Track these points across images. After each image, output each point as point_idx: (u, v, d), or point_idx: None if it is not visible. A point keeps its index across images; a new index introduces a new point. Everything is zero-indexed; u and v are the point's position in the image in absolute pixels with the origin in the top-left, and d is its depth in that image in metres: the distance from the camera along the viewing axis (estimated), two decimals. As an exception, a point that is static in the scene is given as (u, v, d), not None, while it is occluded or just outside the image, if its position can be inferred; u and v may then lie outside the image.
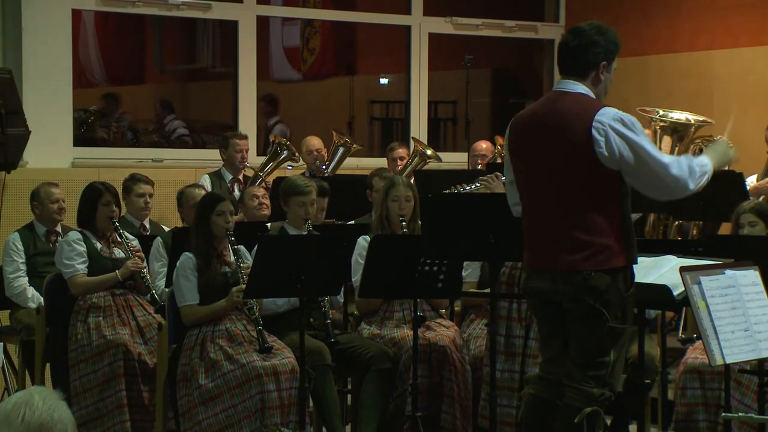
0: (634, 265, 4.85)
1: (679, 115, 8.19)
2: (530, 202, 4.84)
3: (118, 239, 6.82)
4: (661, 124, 8.21)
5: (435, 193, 6.25)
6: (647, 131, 8.45)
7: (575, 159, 4.65)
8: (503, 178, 6.47)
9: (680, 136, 8.15)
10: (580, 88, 4.76)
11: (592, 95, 4.75)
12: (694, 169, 4.66)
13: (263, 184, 8.33)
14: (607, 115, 4.64)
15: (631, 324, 4.84)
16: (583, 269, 4.65)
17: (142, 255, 6.85)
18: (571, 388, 4.75)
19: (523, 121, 4.89)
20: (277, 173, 8.51)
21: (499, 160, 8.86)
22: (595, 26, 4.85)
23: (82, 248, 6.71)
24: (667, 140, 8.19)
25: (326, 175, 8.66)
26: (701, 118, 8.14)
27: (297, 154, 8.73)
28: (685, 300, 4.64)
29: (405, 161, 8.90)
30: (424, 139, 9.87)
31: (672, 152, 8.16)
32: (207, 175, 8.45)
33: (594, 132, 4.60)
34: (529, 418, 4.99)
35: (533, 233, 4.82)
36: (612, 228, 4.66)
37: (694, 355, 5.94)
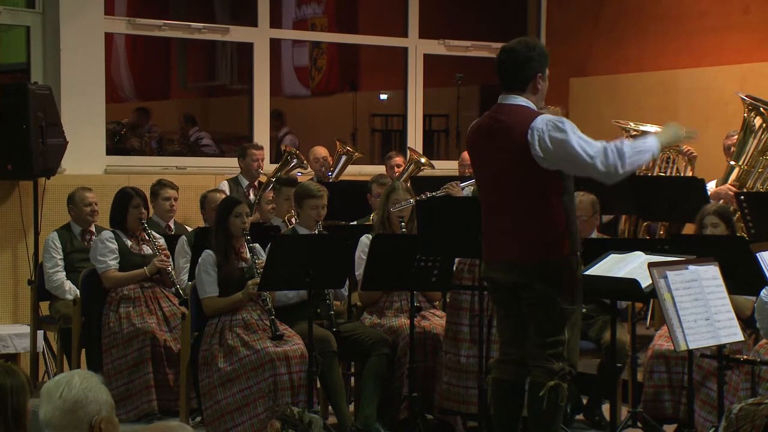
0: (606, 260, 4.88)
1: (649, 128, 8.18)
2: (485, 201, 4.95)
3: (147, 238, 6.83)
4: (634, 134, 8.21)
5: (430, 198, 6.23)
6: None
7: (517, 162, 4.73)
8: (461, 184, 6.53)
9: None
10: (520, 100, 4.83)
11: (531, 104, 4.82)
12: (623, 152, 4.66)
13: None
14: (541, 121, 4.71)
15: (581, 304, 4.89)
16: (532, 260, 4.72)
17: (168, 253, 6.86)
18: (535, 367, 4.81)
19: (473, 132, 4.99)
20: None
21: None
22: (524, 43, 4.92)
23: (114, 246, 6.71)
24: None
25: (331, 180, 8.65)
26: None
27: (305, 162, 8.72)
28: (653, 292, 4.65)
29: (402, 168, 8.89)
30: (419, 148, 9.87)
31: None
32: (226, 181, 8.44)
33: (529, 137, 4.67)
34: (496, 400, 5.03)
35: (488, 228, 4.90)
36: (555, 221, 4.73)
37: (660, 341, 5.95)
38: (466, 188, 6.54)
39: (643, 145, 4.77)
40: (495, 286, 4.96)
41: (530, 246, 4.73)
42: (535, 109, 4.82)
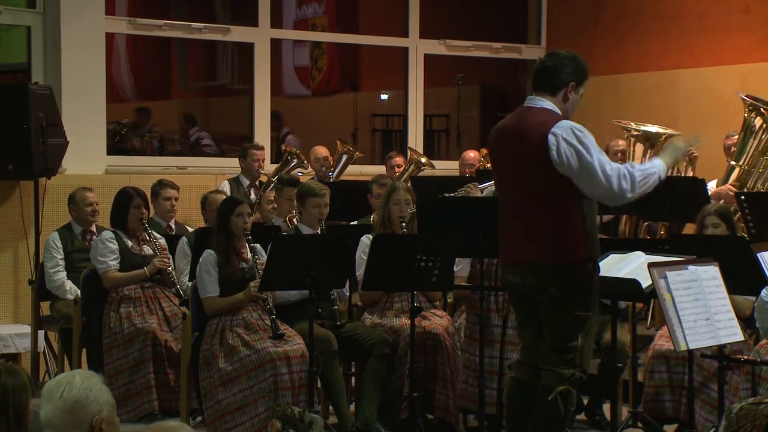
0: (606, 260, 4.86)
1: (650, 128, 8.21)
2: (502, 202, 4.92)
3: (147, 238, 6.83)
4: (635, 134, 8.25)
5: (431, 198, 6.24)
6: (621, 141, 8.49)
7: (536, 165, 4.71)
8: (480, 185, 6.54)
9: (651, 143, 8.16)
10: (546, 103, 4.80)
11: (557, 110, 4.79)
12: (634, 177, 4.69)
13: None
14: (562, 126, 4.69)
15: (596, 311, 4.86)
16: (546, 262, 4.70)
17: (168, 253, 6.86)
18: (546, 370, 4.80)
19: (496, 132, 4.97)
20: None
21: (488, 166, 8.85)
22: (570, 53, 4.93)
23: (114, 246, 6.72)
24: (639, 147, 8.22)
25: (332, 180, 8.66)
26: (669, 131, 8.15)
27: (305, 161, 8.73)
28: (653, 292, 4.65)
29: (402, 168, 8.90)
30: (419, 148, 9.87)
31: (644, 157, 8.18)
32: (227, 181, 8.44)
33: (549, 141, 4.65)
34: (512, 398, 5.03)
35: (505, 230, 4.88)
36: (572, 225, 4.70)
37: (660, 341, 5.95)
38: (486, 190, 6.53)
39: (650, 167, 4.78)
40: (512, 290, 4.94)
41: (543, 248, 4.71)
42: (560, 113, 4.78)
